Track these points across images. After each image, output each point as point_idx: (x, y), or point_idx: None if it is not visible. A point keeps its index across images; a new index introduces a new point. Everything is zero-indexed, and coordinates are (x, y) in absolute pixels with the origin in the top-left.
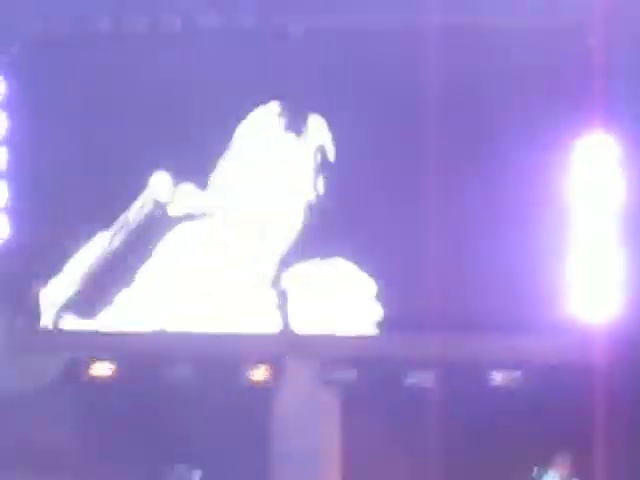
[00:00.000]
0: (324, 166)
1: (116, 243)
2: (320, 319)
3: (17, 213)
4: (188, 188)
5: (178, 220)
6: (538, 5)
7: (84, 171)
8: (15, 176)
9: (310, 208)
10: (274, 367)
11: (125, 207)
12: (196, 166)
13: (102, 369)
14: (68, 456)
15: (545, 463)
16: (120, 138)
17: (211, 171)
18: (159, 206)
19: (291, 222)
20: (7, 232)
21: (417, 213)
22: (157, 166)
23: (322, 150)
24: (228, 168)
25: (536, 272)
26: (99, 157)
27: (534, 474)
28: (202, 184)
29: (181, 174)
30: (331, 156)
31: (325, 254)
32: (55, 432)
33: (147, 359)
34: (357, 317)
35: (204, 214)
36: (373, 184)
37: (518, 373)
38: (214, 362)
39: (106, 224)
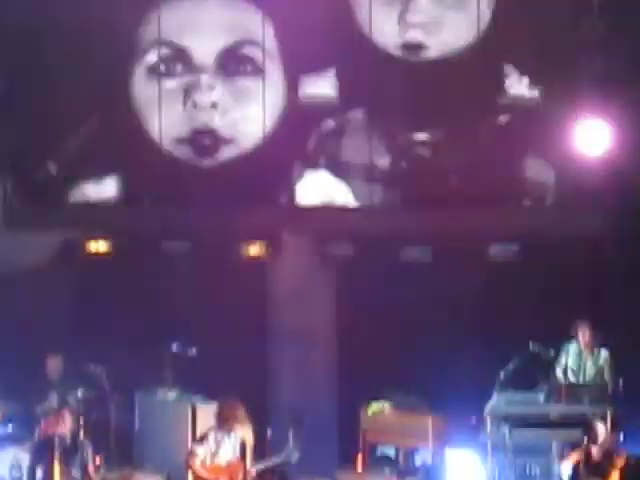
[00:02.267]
0: None
1: None
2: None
3: None
4: None
5: None
6: None
7: None
8: None
9: None
10: (271, 242)
11: None
12: None
13: (99, 246)
14: (64, 335)
15: (546, 337)
16: None
17: None
18: None
19: None
20: None
21: None
22: None
23: None
24: None
25: None
26: None
27: (531, 348)
28: None
29: None
30: None
31: None
32: (52, 311)
33: (144, 235)
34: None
35: None
36: None
37: (516, 246)
38: (211, 237)
39: None
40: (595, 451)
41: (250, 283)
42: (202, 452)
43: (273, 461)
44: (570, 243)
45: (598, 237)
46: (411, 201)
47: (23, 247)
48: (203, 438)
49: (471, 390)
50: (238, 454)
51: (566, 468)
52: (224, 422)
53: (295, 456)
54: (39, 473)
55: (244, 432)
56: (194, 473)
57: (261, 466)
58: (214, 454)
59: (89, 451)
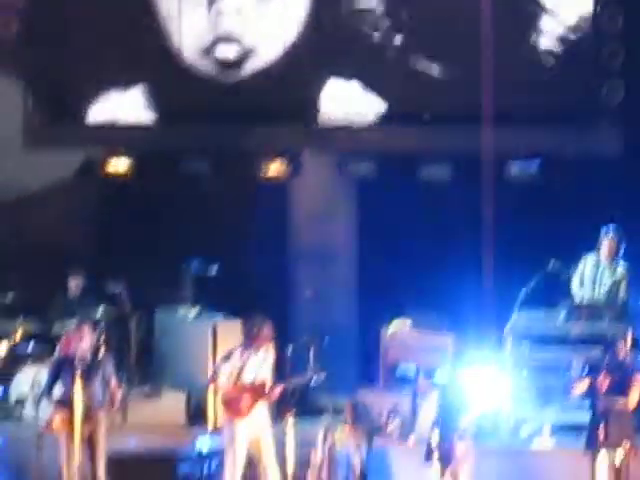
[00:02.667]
0: None
1: None
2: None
3: None
4: None
5: None
6: None
7: None
8: None
9: None
10: (291, 160)
11: None
12: None
13: (118, 165)
14: (84, 254)
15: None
16: None
17: None
18: None
19: None
20: None
21: None
22: None
23: None
24: None
25: None
26: None
27: (551, 267)
28: None
29: None
30: None
31: None
32: (72, 230)
33: (164, 154)
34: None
35: None
36: None
37: (536, 164)
38: (231, 155)
39: None
40: (614, 369)
41: (270, 202)
42: (227, 370)
43: (297, 380)
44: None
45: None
46: (431, 118)
47: (43, 166)
48: (229, 356)
49: (491, 308)
50: (264, 373)
51: (583, 387)
52: (251, 340)
53: (320, 375)
54: (59, 390)
55: (270, 351)
56: (219, 391)
57: (286, 385)
58: (240, 372)
59: (110, 368)
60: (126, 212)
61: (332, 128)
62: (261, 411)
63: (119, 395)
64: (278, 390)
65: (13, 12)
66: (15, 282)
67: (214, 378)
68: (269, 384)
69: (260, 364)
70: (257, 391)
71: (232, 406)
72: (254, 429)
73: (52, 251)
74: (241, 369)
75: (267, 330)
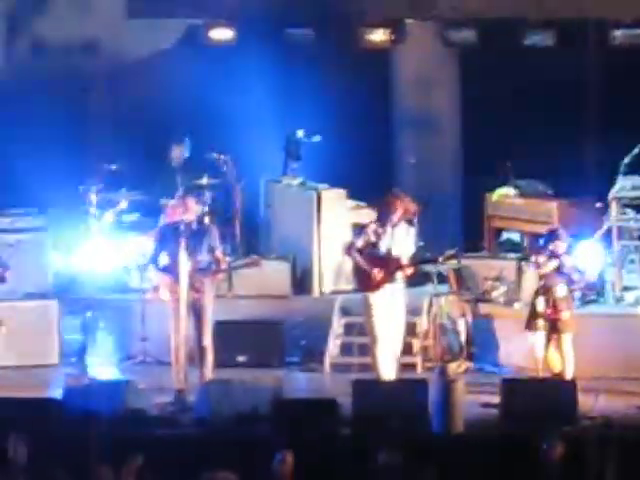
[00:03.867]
0: None
1: None
2: None
3: None
4: None
5: None
6: None
7: None
8: None
9: None
10: (395, 28)
11: None
12: None
13: (223, 33)
14: (189, 122)
15: None
16: None
17: None
18: None
19: None
20: None
21: None
22: None
23: None
24: None
25: None
26: None
27: None
28: None
29: None
30: None
31: None
32: (177, 98)
33: (269, 21)
34: None
35: None
36: None
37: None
38: (335, 23)
39: None
40: None
41: (374, 71)
42: (361, 243)
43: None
44: None
45: None
46: None
47: (148, 34)
48: (363, 228)
49: (596, 175)
50: (401, 248)
51: None
52: (385, 215)
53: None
54: (164, 259)
55: (410, 227)
56: (352, 263)
57: (418, 261)
58: (374, 245)
59: (215, 237)
60: (230, 80)
61: None
62: (396, 288)
63: (224, 264)
64: (413, 265)
65: None
66: (119, 153)
67: (348, 250)
68: (405, 259)
69: (399, 238)
70: (389, 265)
71: (366, 279)
72: (388, 304)
73: (155, 121)
74: (376, 243)
75: (400, 203)
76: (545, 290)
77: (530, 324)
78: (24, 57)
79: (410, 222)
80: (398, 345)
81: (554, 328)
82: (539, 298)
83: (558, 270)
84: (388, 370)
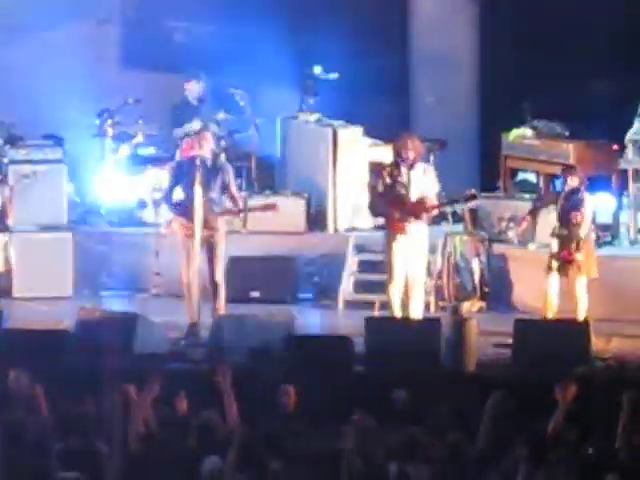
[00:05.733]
0: None
1: None
2: None
3: None
4: None
5: None
6: None
7: None
8: None
9: None
10: None
11: None
12: None
13: None
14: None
15: None
16: None
17: None
18: None
19: None
20: None
21: None
22: None
23: None
24: None
25: None
26: None
27: None
28: None
29: None
30: None
31: None
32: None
33: None
34: None
35: None
36: None
37: None
38: None
39: None
40: None
41: (393, 6)
42: (380, 187)
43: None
44: None
45: None
46: None
47: None
48: (380, 171)
49: (612, 117)
50: (421, 189)
51: None
52: (403, 156)
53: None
54: (179, 194)
55: (428, 167)
56: (372, 203)
57: (440, 202)
58: (390, 187)
59: (230, 173)
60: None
61: None
62: (418, 228)
63: (240, 202)
64: (435, 207)
65: None
66: (135, 85)
67: (372, 192)
68: (427, 199)
69: (416, 178)
70: (412, 206)
71: (388, 220)
72: (410, 245)
73: (170, 54)
74: (393, 184)
75: (413, 143)
76: (560, 231)
77: (546, 265)
78: None
79: (426, 164)
80: (421, 285)
81: (567, 269)
82: (554, 239)
83: (573, 208)
84: (414, 309)
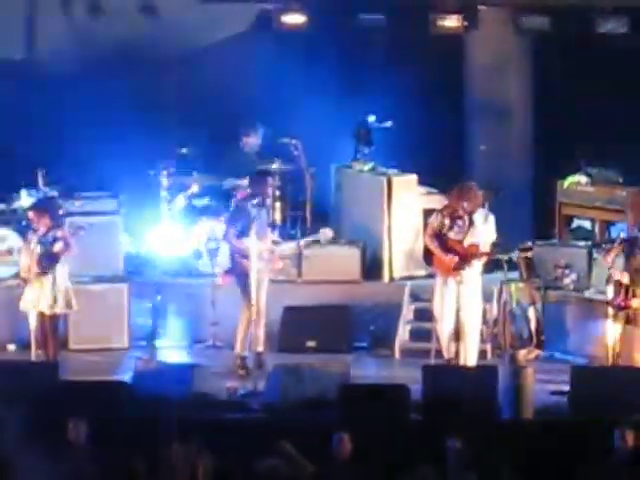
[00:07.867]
0: None
1: None
2: None
3: None
4: None
5: None
6: None
7: None
8: None
9: None
10: (468, 14)
11: None
12: None
13: (294, 18)
14: (261, 109)
15: None
16: None
17: None
18: None
19: None
20: None
21: None
22: None
23: None
24: None
25: None
26: None
27: None
28: None
29: None
30: None
31: None
32: (248, 84)
33: (339, 7)
34: None
35: None
36: None
37: None
38: (407, 9)
39: None
40: None
41: (446, 56)
42: (436, 225)
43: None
44: None
45: None
46: None
47: (219, 19)
48: (440, 211)
49: None
50: (478, 236)
51: None
52: (460, 202)
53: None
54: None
55: (489, 215)
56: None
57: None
58: (449, 229)
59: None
60: (301, 64)
61: None
62: (470, 274)
63: (273, 252)
64: (489, 255)
65: None
66: (189, 137)
67: (426, 230)
68: (485, 247)
69: (476, 226)
70: (468, 252)
71: (440, 264)
72: (462, 291)
73: (227, 106)
74: (452, 227)
75: (472, 193)
76: (614, 278)
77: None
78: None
79: (487, 212)
80: (476, 332)
81: (624, 317)
82: (608, 286)
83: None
84: (469, 356)
